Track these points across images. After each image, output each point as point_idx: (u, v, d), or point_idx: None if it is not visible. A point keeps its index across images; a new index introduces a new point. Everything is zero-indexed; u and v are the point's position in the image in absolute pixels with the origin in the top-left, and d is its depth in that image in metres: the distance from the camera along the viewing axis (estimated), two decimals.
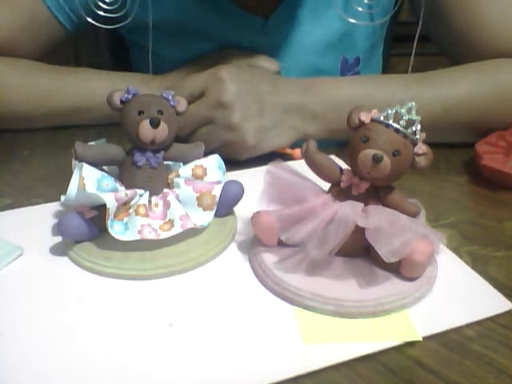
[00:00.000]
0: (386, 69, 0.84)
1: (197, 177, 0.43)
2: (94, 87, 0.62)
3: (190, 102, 0.46)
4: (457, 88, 0.57)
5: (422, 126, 0.36)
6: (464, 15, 0.62)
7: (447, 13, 0.63)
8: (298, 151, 0.55)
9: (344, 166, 0.38)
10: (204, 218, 0.41)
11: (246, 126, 0.52)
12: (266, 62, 0.63)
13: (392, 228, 0.35)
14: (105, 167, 0.42)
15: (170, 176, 0.43)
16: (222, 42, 0.65)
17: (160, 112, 0.40)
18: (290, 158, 0.55)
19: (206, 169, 0.43)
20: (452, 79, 0.58)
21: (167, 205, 0.40)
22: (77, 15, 0.65)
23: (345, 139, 0.37)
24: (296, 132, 0.56)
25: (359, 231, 0.35)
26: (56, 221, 0.40)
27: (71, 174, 0.40)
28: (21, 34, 0.64)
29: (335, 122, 0.55)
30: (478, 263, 0.40)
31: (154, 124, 0.38)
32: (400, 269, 0.36)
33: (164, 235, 0.39)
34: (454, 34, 0.63)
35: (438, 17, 0.64)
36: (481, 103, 0.56)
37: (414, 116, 0.36)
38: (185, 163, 0.44)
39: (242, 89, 0.53)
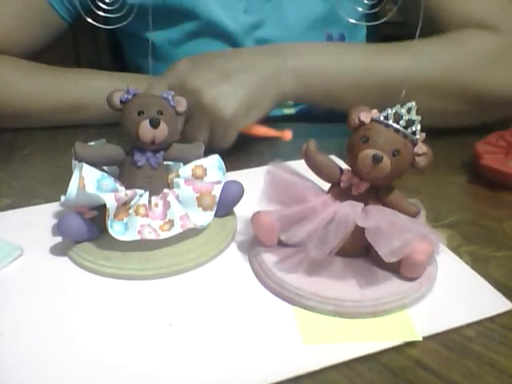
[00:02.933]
0: None
1: (197, 177, 0.43)
2: (93, 86, 0.62)
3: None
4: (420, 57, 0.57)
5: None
6: None
7: None
8: (287, 132, 0.52)
9: (344, 165, 0.38)
10: (204, 218, 0.41)
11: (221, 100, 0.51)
12: None
13: (392, 228, 0.35)
14: (105, 167, 0.42)
15: (170, 176, 0.43)
16: (207, 21, 0.66)
17: (160, 112, 0.39)
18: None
19: (205, 169, 0.43)
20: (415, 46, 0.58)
21: (167, 205, 0.40)
22: (72, 4, 0.66)
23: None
24: (272, 99, 0.54)
25: (359, 231, 0.35)
26: (56, 221, 0.40)
27: (71, 174, 0.40)
28: (18, 26, 0.65)
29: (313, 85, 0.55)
30: (478, 263, 0.40)
31: (154, 124, 0.38)
32: (400, 269, 0.36)
33: (164, 235, 0.39)
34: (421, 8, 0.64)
35: None
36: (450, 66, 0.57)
37: (413, 116, 0.36)
38: (185, 163, 0.44)
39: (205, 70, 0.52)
